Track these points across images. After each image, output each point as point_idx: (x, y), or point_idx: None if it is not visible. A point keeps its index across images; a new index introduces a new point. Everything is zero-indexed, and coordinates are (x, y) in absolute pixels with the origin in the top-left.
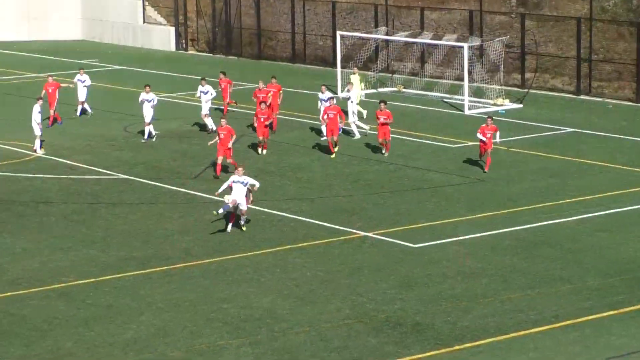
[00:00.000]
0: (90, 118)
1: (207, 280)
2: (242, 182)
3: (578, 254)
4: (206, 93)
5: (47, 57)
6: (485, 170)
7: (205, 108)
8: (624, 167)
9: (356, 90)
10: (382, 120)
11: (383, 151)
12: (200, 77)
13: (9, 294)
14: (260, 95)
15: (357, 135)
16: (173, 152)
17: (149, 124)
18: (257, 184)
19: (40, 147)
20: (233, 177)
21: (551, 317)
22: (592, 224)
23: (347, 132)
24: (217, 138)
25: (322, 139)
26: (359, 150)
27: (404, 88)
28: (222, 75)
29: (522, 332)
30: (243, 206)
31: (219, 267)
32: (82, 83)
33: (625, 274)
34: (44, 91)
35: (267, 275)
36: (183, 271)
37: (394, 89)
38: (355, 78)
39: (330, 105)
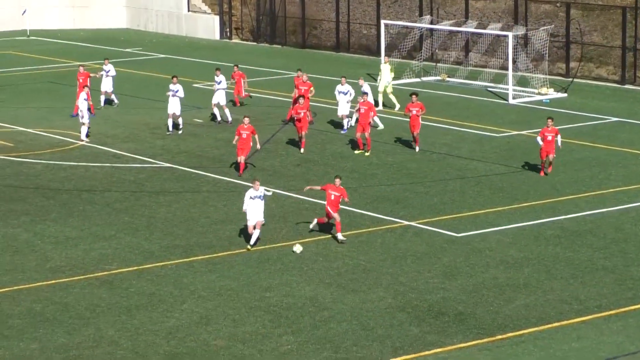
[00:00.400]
0: (126, 107)
1: (250, 268)
2: (260, 197)
3: (622, 243)
4: (219, 83)
5: (91, 45)
6: (548, 171)
7: (220, 97)
8: None
9: (385, 80)
10: (414, 112)
11: (413, 144)
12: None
13: (52, 281)
14: (303, 88)
15: (381, 126)
16: (217, 140)
17: (178, 116)
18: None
19: (87, 135)
20: (250, 193)
21: (594, 307)
22: (636, 214)
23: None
24: (237, 137)
25: (341, 132)
26: (403, 139)
27: (448, 77)
28: (235, 68)
29: (565, 322)
30: (260, 218)
31: (261, 255)
32: (107, 73)
33: None
34: (84, 78)
35: (309, 264)
36: (226, 259)
37: (438, 78)
38: (385, 67)
39: (363, 100)
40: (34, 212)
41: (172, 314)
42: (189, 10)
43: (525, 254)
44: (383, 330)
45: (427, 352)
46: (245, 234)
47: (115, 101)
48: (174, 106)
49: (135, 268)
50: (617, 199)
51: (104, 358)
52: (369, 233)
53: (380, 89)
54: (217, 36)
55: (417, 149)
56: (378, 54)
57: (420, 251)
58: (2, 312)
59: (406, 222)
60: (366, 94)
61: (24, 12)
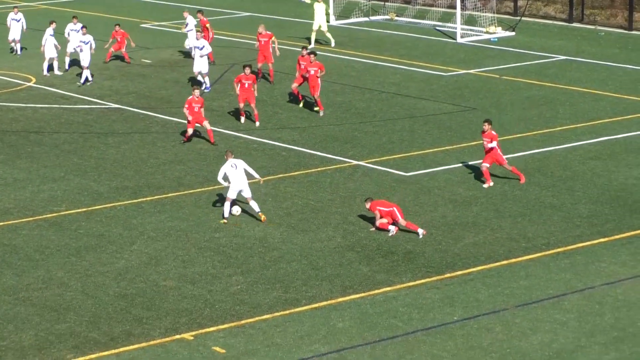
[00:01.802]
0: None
1: (199, 209)
2: (234, 165)
3: (569, 181)
4: (187, 25)
5: None
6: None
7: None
8: (616, 95)
9: (319, 19)
10: (312, 72)
11: (316, 109)
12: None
13: (0, 223)
14: (263, 40)
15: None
16: (165, 81)
17: (87, 67)
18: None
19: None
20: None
21: (542, 245)
22: (584, 152)
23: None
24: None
25: (205, 90)
26: (351, 79)
27: (396, 16)
28: (200, 15)
29: (513, 260)
30: (247, 193)
31: (210, 196)
32: (17, 22)
33: (616, 201)
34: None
35: (259, 204)
36: (175, 200)
37: (387, 17)
38: (319, 7)
39: (312, 61)
40: None
41: (121, 255)
42: None
43: (473, 192)
44: (332, 269)
45: (376, 291)
46: (194, 174)
47: (19, 52)
48: (84, 57)
49: (84, 209)
50: (564, 137)
51: (53, 300)
52: (318, 173)
53: (315, 27)
54: None
55: (322, 113)
56: None
57: (369, 191)
58: None
59: (355, 162)
60: (313, 53)
61: None
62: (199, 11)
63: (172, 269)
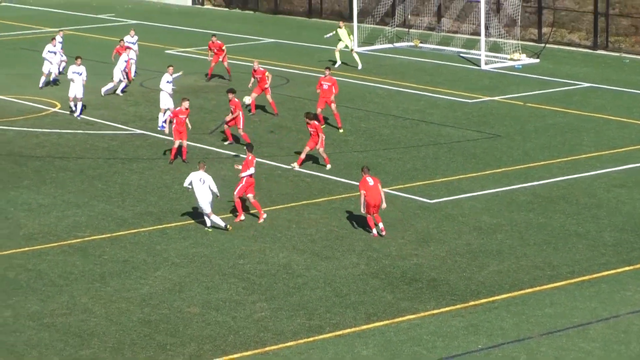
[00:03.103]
0: (99, 74)
1: (223, 235)
2: (202, 180)
3: (594, 209)
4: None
5: (63, 11)
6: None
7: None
8: None
9: (345, 42)
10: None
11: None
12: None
13: (25, 249)
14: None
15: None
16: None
17: (81, 99)
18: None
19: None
20: (198, 174)
21: (567, 273)
22: (609, 180)
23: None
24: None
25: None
26: (375, 105)
27: (421, 43)
28: (213, 38)
29: (538, 288)
30: (207, 209)
31: (235, 222)
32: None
33: None
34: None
35: (283, 231)
36: (199, 226)
37: (411, 43)
38: (342, 32)
39: (325, 75)
40: (6, 179)
41: (145, 281)
42: None
43: (498, 220)
44: (356, 296)
45: (400, 319)
46: (218, 200)
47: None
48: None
49: (108, 235)
50: (589, 165)
51: (77, 325)
52: (342, 199)
53: (339, 47)
54: (189, 2)
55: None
56: (351, 19)
57: (393, 217)
58: None
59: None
60: (328, 68)
61: None
62: (213, 35)
63: (196, 295)
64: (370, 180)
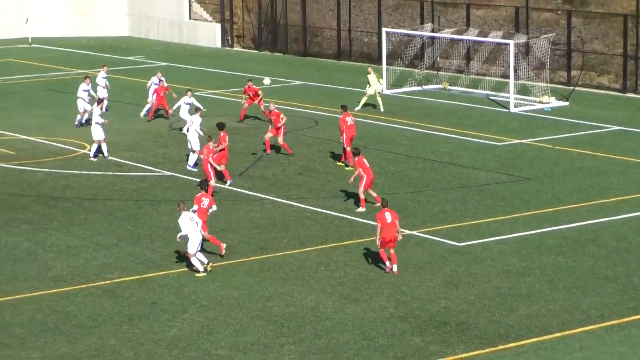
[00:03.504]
0: (128, 116)
1: (251, 277)
2: (191, 219)
3: (624, 253)
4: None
5: (93, 53)
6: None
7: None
8: None
9: (375, 87)
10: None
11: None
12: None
13: (53, 290)
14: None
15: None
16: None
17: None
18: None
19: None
20: (189, 215)
21: (596, 317)
22: (638, 223)
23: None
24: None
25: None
26: (404, 148)
27: (450, 85)
28: (250, 83)
29: (567, 332)
30: (190, 248)
31: (263, 264)
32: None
33: None
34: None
35: (311, 273)
36: (227, 268)
37: (440, 86)
38: (372, 77)
39: (345, 110)
40: (35, 220)
41: (173, 323)
42: (190, 18)
43: (527, 263)
44: (385, 340)
45: None
46: (246, 242)
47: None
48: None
49: (137, 277)
50: (618, 208)
51: None
52: (370, 242)
53: (369, 92)
54: (218, 44)
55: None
56: (379, 62)
57: (422, 260)
58: (4, 321)
59: (408, 231)
60: (344, 106)
61: (27, 20)
62: (249, 80)
63: (224, 337)
64: (388, 216)
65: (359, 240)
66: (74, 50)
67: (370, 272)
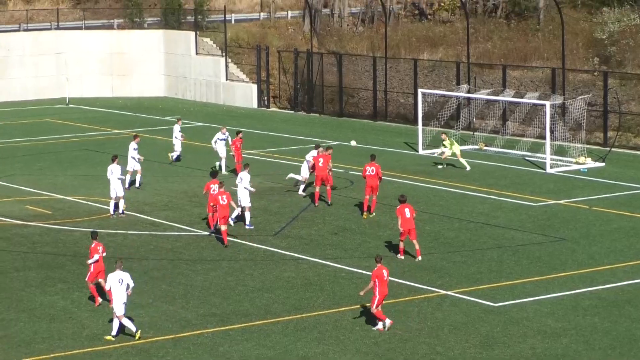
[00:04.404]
0: (165, 175)
1: (286, 337)
2: (120, 280)
3: None
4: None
5: (129, 113)
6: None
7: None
8: None
9: (450, 151)
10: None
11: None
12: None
13: (89, 349)
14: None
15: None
16: (253, 209)
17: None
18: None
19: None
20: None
21: None
22: None
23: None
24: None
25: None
26: (439, 208)
27: (486, 146)
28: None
29: None
30: (119, 311)
31: (298, 324)
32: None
33: None
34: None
35: (346, 333)
36: (262, 328)
37: (476, 146)
38: (446, 142)
39: (371, 161)
40: (71, 279)
41: None
42: (227, 79)
43: (563, 324)
44: None
45: None
46: (281, 302)
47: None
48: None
49: (171, 336)
50: None
51: None
52: (405, 302)
53: (448, 153)
54: (254, 104)
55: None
56: (415, 122)
57: (457, 321)
58: None
59: (443, 292)
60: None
61: (67, 79)
62: (318, 145)
63: None
64: (385, 273)
65: (394, 301)
66: (110, 110)
67: (406, 332)
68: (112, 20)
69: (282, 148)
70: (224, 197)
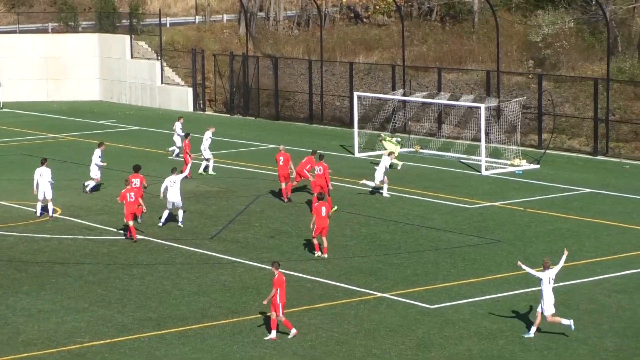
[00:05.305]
0: (105, 179)
1: (223, 341)
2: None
3: (595, 315)
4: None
5: (64, 117)
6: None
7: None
8: None
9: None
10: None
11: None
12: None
13: (24, 355)
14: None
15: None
16: (189, 212)
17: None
18: None
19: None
20: None
21: None
22: (609, 285)
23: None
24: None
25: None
26: (376, 210)
27: (421, 148)
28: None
29: None
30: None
31: (235, 328)
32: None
33: None
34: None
35: (283, 337)
36: (199, 332)
37: (411, 149)
38: (387, 144)
39: (319, 160)
40: (6, 284)
41: None
42: (162, 83)
43: (499, 325)
44: None
45: None
46: (218, 306)
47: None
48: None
49: (108, 341)
50: (589, 270)
51: None
52: (342, 305)
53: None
54: (190, 108)
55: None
56: (351, 125)
57: (394, 323)
58: None
59: (380, 294)
60: (314, 153)
61: (0, 83)
62: (315, 151)
63: None
64: (282, 279)
65: (330, 303)
66: (45, 115)
67: (342, 335)
68: (47, 24)
69: (219, 152)
70: (132, 194)
